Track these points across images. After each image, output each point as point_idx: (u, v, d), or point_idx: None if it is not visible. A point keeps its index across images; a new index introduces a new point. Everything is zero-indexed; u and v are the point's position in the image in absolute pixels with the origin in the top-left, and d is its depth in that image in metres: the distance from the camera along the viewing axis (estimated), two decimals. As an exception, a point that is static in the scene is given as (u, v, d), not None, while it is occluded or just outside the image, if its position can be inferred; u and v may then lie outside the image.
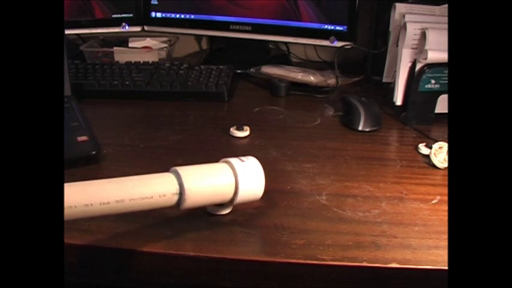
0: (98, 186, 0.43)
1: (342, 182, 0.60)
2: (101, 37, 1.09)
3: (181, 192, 0.46)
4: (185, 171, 0.47)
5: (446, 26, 0.75)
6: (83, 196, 0.41)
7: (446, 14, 0.81)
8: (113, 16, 1.06)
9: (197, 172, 0.48)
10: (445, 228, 0.51)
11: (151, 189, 0.45)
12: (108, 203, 0.42)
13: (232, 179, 0.49)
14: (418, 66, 0.76)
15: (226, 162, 0.50)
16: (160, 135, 0.73)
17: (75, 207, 0.41)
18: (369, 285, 0.47)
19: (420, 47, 0.77)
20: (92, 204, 0.41)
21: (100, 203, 0.42)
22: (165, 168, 0.62)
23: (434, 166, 0.64)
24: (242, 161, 0.51)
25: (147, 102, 0.86)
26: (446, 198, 0.57)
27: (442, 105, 0.78)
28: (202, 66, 0.95)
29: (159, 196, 0.45)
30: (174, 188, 0.46)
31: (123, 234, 0.49)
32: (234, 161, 0.50)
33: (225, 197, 0.49)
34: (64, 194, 0.39)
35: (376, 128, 0.76)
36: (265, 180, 0.59)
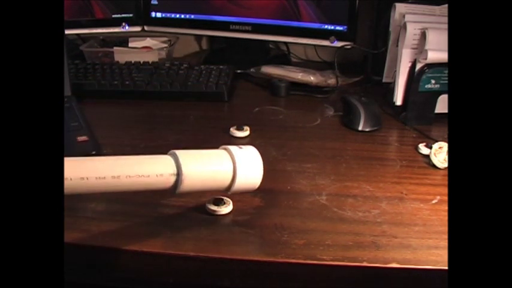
0: (94, 161, 0.43)
1: (342, 182, 0.60)
2: (101, 37, 1.09)
3: (179, 174, 0.45)
4: (183, 154, 0.46)
5: (446, 26, 0.75)
6: (79, 169, 0.41)
7: (446, 14, 0.81)
8: (113, 16, 1.06)
9: (195, 156, 0.47)
10: (445, 228, 0.51)
11: (149, 168, 0.44)
12: (104, 178, 0.41)
13: (231, 166, 0.48)
14: (418, 66, 0.76)
15: (225, 149, 0.50)
16: (160, 135, 0.73)
17: (71, 179, 0.40)
18: (369, 285, 0.47)
19: (420, 47, 0.77)
20: (87, 178, 0.41)
21: (96, 177, 0.41)
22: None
23: (434, 166, 0.64)
24: (241, 148, 0.50)
25: (147, 102, 0.86)
26: (446, 198, 0.57)
27: (442, 105, 0.78)
28: (202, 66, 0.95)
29: (156, 176, 0.44)
30: (172, 168, 0.45)
31: (123, 234, 0.49)
32: (233, 148, 0.50)
33: (223, 183, 0.48)
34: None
35: (376, 128, 0.76)
36: (265, 180, 0.59)
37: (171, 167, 0.45)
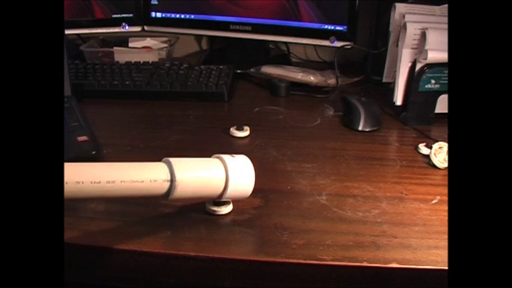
0: (90, 166, 0.43)
1: (342, 182, 0.60)
2: (101, 37, 1.09)
3: (172, 180, 0.45)
4: (177, 161, 0.47)
5: (446, 26, 0.75)
6: (74, 173, 0.41)
7: (446, 14, 0.81)
8: (113, 16, 1.06)
9: (189, 163, 0.48)
10: (445, 228, 0.51)
11: (143, 174, 0.45)
12: (99, 182, 0.42)
13: (223, 174, 0.49)
14: (418, 66, 0.76)
15: (218, 157, 0.51)
16: (160, 135, 0.73)
17: (66, 183, 0.40)
18: (369, 285, 0.47)
19: (420, 47, 0.77)
20: (83, 182, 0.41)
21: (91, 182, 0.42)
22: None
23: (434, 166, 0.64)
24: (233, 157, 0.51)
25: (147, 102, 0.86)
26: (446, 198, 0.57)
27: (442, 105, 0.78)
28: (202, 66, 0.95)
29: (150, 181, 0.44)
30: (166, 174, 0.45)
31: (123, 234, 0.49)
32: (225, 157, 0.50)
33: (215, 191, 0.49)
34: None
35: (376, 128, 0.76)
36: (265, 180, 0.59)
37: (165, 173, 0.46)
